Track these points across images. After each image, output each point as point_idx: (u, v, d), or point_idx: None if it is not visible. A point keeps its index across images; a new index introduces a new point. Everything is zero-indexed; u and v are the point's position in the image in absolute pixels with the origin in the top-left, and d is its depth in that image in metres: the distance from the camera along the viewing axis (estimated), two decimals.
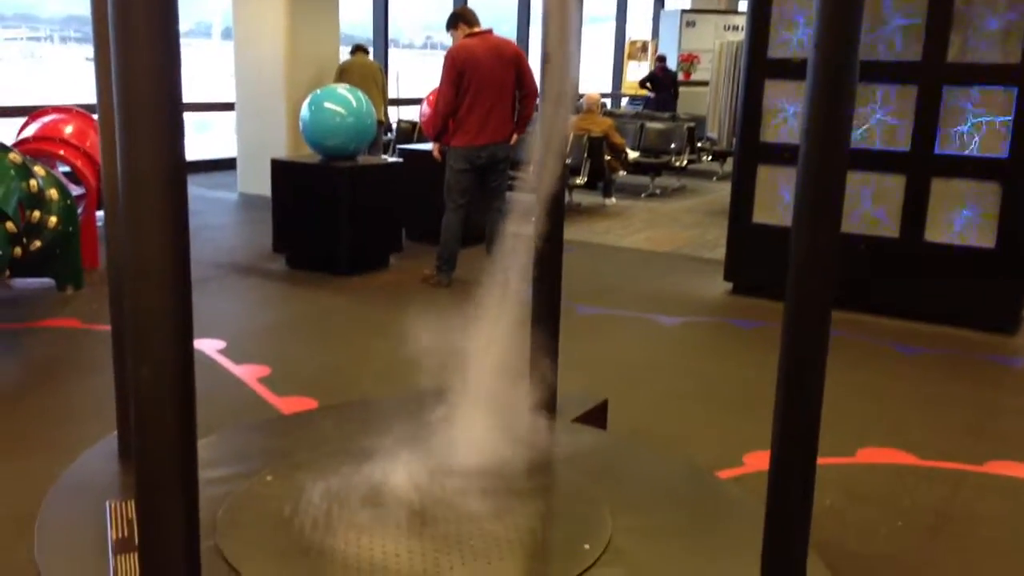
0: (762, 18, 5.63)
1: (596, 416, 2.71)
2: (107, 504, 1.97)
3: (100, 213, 6.57)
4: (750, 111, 5.75)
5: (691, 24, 16.42)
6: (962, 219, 5.27)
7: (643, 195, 10.42)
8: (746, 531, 1.80)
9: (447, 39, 6.02)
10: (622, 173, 9.85)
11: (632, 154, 10.12)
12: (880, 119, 5.38)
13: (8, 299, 5.33)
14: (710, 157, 11.80)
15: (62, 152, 6.18)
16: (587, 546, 1.83)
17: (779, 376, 1.61)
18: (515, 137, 5.89)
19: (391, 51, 12.48)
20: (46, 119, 6.55)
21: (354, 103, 6.17)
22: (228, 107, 9.60)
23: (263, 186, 8.20)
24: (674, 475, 2.31)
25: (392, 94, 10.33)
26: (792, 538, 1.66)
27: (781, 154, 5.61)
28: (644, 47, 18.00)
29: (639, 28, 20.01)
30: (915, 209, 5.38)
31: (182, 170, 1.14)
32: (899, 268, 5.47)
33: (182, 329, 1.17)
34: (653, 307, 5.68)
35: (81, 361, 4.43)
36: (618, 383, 3.40)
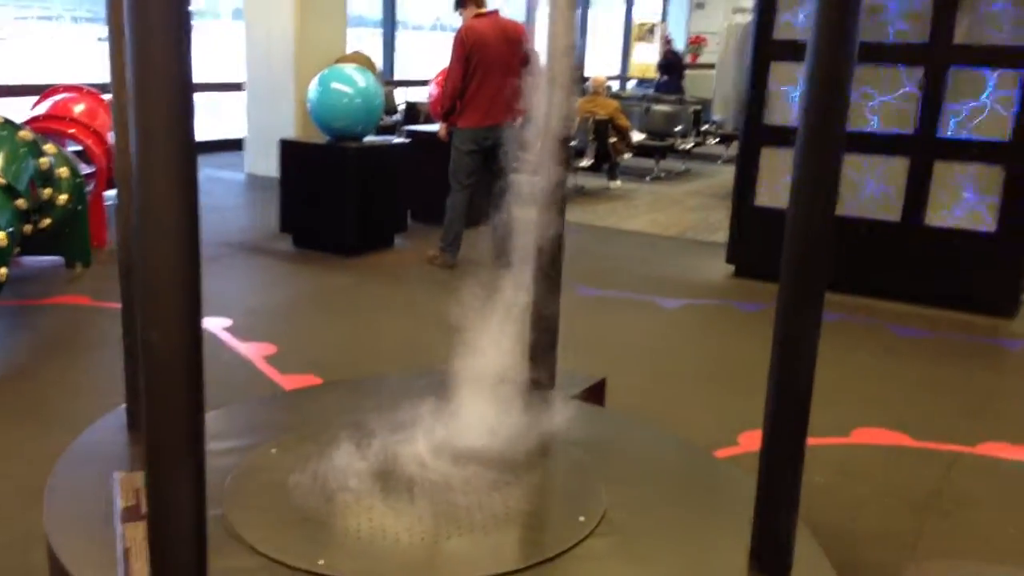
0: (769, 0, 5.65)
1: (594, 394, 2.76)
2: (115, 474, 2.03)
3: (109, 192, 6.63)
4: (755, 93, 5.77)
5: (700, 6, 16.38)
6: (964, 202, 5.30)
7: (648, 178, 10.44)
8: (738, 507, 1.84)
9: (455, 20, 6.05)
10: (627, 156, 9.87)
11: (637, 136, 10.13)
12: (882, 101, 5.40)
13: (17, 276, 5.39)
14: (716, 140, 11.81)
15: (72, 131, 6.23)
16: (582, 518, 1.88)
17: (773, 351, 1.66)
18: (520, 119, 5.92)
19: (399, 32, 12.47)
20: (57, 98, 6.60)
21: (362, 83, 6.21)
22: (237, 88, 9.63)
23: (270, 167, 8.25)
24: (669, 452, 2.36)
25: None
26: (781, 514, 1.71)
27: (785, 136, 5.63)
28: (652, 29, 17.95)
29: (648, 10, 19.95)
30: (917, 192, 5.40)
31: (192, 141, 1.19)
32: (900, 251, 5.51)
33: (191, 294, 1.22)
34: (655, 289, 5.73)
35: (91, 337, 4.50)
36: (617, 363, 3.45)
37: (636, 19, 18.89)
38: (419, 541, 1.77)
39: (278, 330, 4.64)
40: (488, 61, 5.60)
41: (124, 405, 2.31)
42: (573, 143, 8.56)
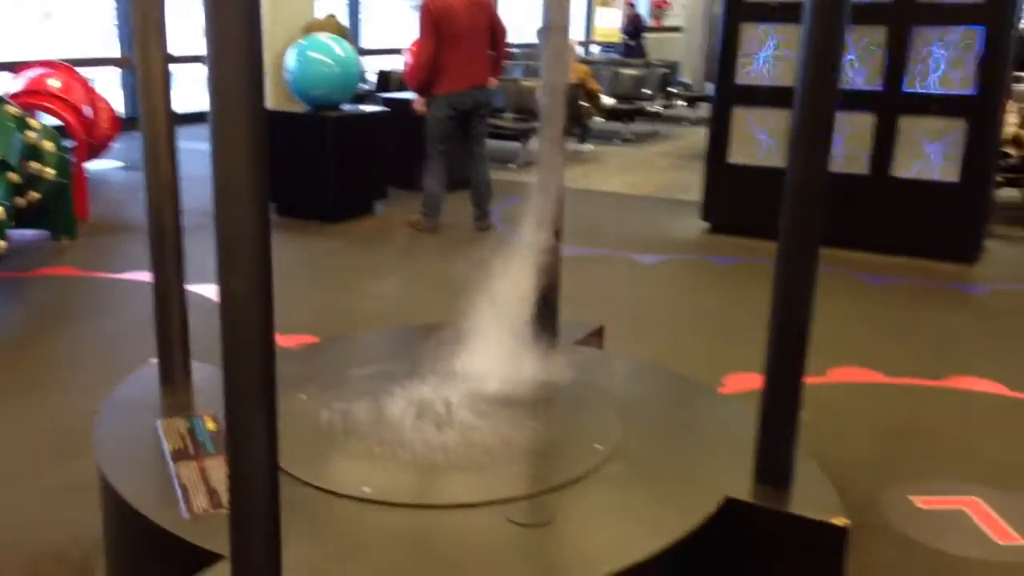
0: None
1: (594, 340, 2.93)
2: (157, 422, 2.17)
3: (89, 165, 6.66)
4: (726, 54, 5.93)
5: None
6: (928, 155, 5.51)
7: (618, 141, 10.59)
8: (740, 434, 2.01)
9: None
10: (598, 119, 10.00)
11: (607, 101, 10.26)
12: (849, 59, 5.58)
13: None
14: (683, 103, 11.96)
15: (50, 105, 6.24)
16: (599, 446, 2.05)
17: (774, 285, 1.82)
18: (492, 81, 6.04)
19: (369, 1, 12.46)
20: (31, 73, 6.60)
21: (340, 52, 6.27)
22: (200, 60, 9.58)
23: None
24: (674, 387, 2.54)
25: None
26: (782, 432, 1.89)
27: (755, 96, 5.80)
28: None
29: None
30: (884, 146, 5.61)
31: (262, 106, 1.32)
32: (868, 203, 5.72)
33: (263, 244, 1.36)
34: (632, 247, 5.90)
35: (83, 306, 4.58)
36: (600, 316, 3.61)
37: None
38: (452, 468, 1.93)
39: None
40: (456, 28, 5.71)
41: (154, 359, 2.43)
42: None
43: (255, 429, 1.41)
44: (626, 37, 15.10)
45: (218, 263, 1.36)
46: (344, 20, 11.81)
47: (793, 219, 1.76)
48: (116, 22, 9.84)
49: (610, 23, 16.49)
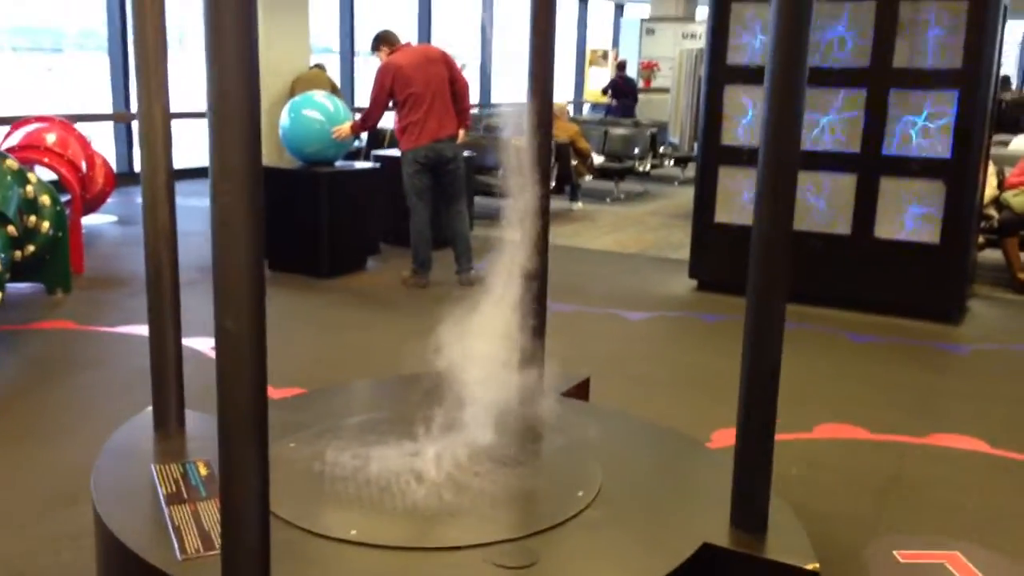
0: (721, 26, 5.97)
1: (580, 391, 2.99)
2: (151, 466, 2.21)
3: (84, 219, 6.75)
4: (711, 115, 6.08)
5: (650, 32, 16.81)
6: (909, 216, 5.64)
7: (608, 199, 10.74)
8: (720, 484, 2.06)
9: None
10: (588, 178, 10.16)
11: (597, 159, 10.44)
12: (829, 121, 5.74)
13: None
14: (672, 162, 12.17)
15: (47, 160, 6.35)
16: (581, 493, 2.09)
17: (744, 338, 1.90)
18: (461, 133, 6.20)
19: (357, 59, 12.72)
20: (28, 128, 6.72)
21: (332, 110, 6.42)
22: (199, 116, 9.75)
23: None
24: (656, 438, 2.59)
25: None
26: (756, 479, 1.94)
27: (740, 156, 5.94)
28: (605, 55, 18.40)
29: (600, 36, 20.44)
30: (866, 206, 5.73)
31: (258, 157, 1.40)
32: (852, 263, 5.82)
33: (258, 288, 1.43)
34: (621, 303, 5.98)
35: (79, 359, 4.63)
36: (588, 371, 3.67)
37: (589, 45, 19.36)
38: (438, 513, 1.97)
39: None
40: (413, 87, 5.93)
41: (149, 408, 2.48)
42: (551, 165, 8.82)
43: (248, 460, 1.46)
44: (611, 98, 15.41)
45: (215, 305, 1.43)
46: (337, 79, 12.07)
47: (760, 274, 1.84)
48: (112, 78, 10.01)
49: (600, 83, 16.82)
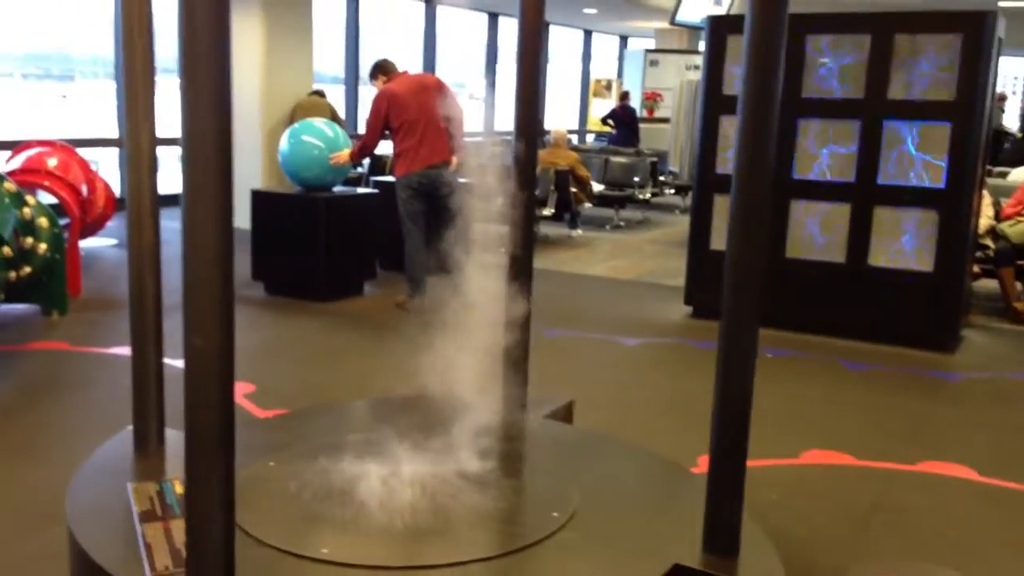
0: (717, 58, 6.03)
1: (563, 414, 3.00)
2: (128, 485, 2.22)
3: (84, 242, 6.80)
4: (707, 144, 6.13)
5: (654, 63, 16.94)
6: (903, 245, 5.65)
7: (608, 227, 10.78)
8: (696, 507, 2.07)
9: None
10: (588, 205, 10.21)
11: (597, 187, 10.49)
12: (826, 152, 5.77)
13: None
14: (672, 191, 12.22)
15: (47, 183, 6.41)
16: (556, 514, 2.10)
17: (718, 359, 1.91)
18: (455, 160, 6.24)
19: (362, 88, 12.85)
20: (30, 152, 6.78)
21: (331, 136, 6.47)
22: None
23: (236, 218, 8.45)
24: (637, 461, 2.60)
25: None
26: (728, 503, 1.95)
27: None
28: (609, 85, 18.53)
29: (604, 67, 20.60)
30: (860, 235, 5.75)
31: (229, 178, 1.43)
32: (846, 291, 5.84)
33: (226, 307, 1.45)
34: (616, 329, 5.99)
35: (72, 380, 4.65)
36: (581, 396, 3.67)
37: (593, 75, 19.51)
38: (409, 533, 1.98)
39: (255, 370, 4.82)
40: (407, 114, 6.00)
41: (129, 427, 2.49)
42: (536, 192, 8.87)
43: (214, 476, 1.47)
44: (611, 127, 15.52)
45: (184, 322, 1.45)
46: (342, 105, 12.19)
47: (733, 299, 1.86)
48: (117, 105, 10.12)
49: (603, 113, 16.94)
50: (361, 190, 7.42)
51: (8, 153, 7.04)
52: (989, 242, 6.80)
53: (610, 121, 15.63)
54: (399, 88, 6.06)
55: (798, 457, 3.89)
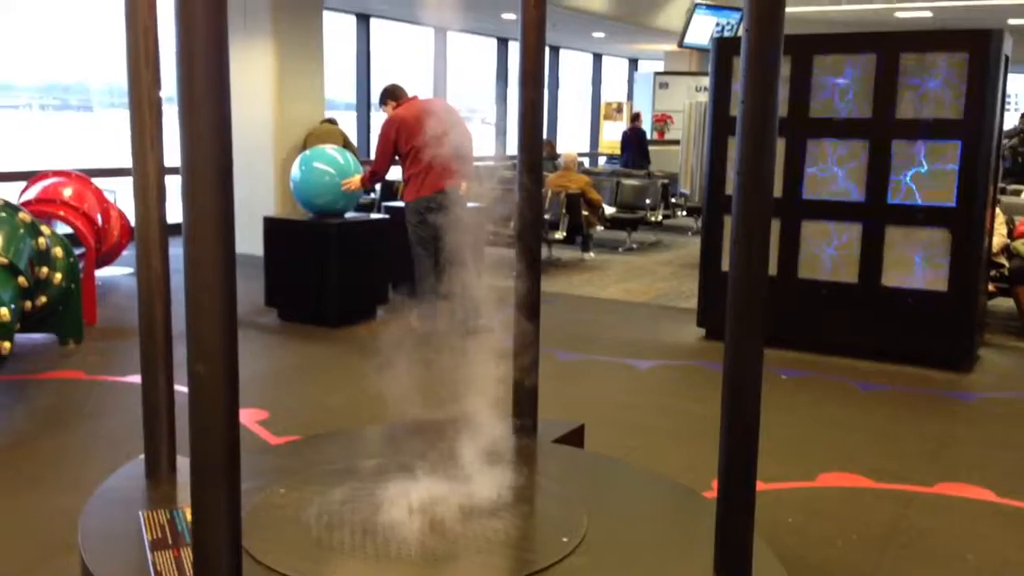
0: (724, 79, 6.04)
1: (574, 438, 2.99)
2: (140, 512, 2.23)
3: (100, 271, 6.85)
4: (715, 166, 6.13)
5: (664, 86, 17.00)
6: (915, 264, 5.63)
7: (620, 249, 10.78)
8: (707, 531, 2.05)
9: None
10: (599, 228, 10.22)
11: (609, 210, 10.50)
12: (836, 172, 5.77)
13: (12, 353, 5.55)
14: (684, 212, 12.22)
15: (62, 213, 6.47)
16: (565, 539, 2.09)
17: (724, 383, 1.90)
18: (464, 185, 6.26)
19: (374, 113, 12.94)
20: (46, 182, 6.85)
21: (342, 162, 6.52)
22: None
23: (250, 245, 8.49)
24: (649, 485, 2.58)
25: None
26: (739, 527, 1.93)
27: None
28: (619, 108, 18.59)
29: (615, 90, 20.68)
30: (872, 255, 5.73)
31: (230, 207, 1.44)
32: (860, 311, 5.81)
33: (230, 334, 1.46)
34: (629, 352, 5.98)
35: (88, 408, 4.67)
36: (594, 420, 3.66)
37: (604, 98, 19.59)
38: (420, 559, 1.98)
39: (268, 397, 4.83)
40: (416, 140, 6.05)
41: (141, 456, 2.51)
42: (547, 216, 8.90)
43: (220, 501, 1.48)
44: (623, 149, 15.56)
45: (187, 349, 1.46)
46: (354, 132, 12.27)
47: (736, 321, 1.86)
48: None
49: (614, 136, 16.99)
50: (373, 216, 7.45)
51: (24, 183, 7.11)
52: (1003, 260, 6.76)
53: (624, 146, 15.65)
54: (408, 114, 6.10)
55: (814, 480, 3.86)
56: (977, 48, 5.37)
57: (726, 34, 13.20)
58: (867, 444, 4.37)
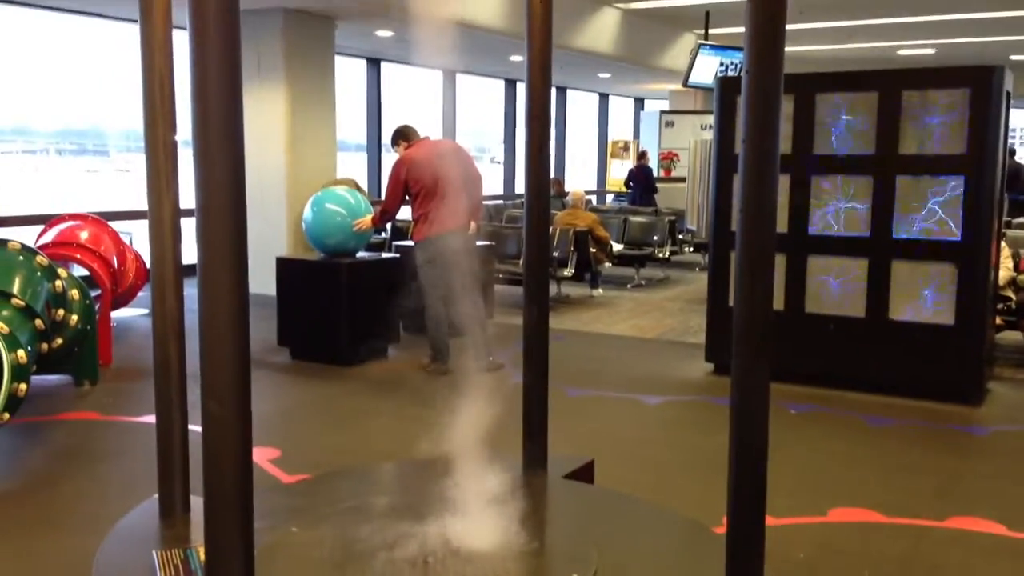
0: (728, 118, 6.12)
1: (583, 474, 3.01)
2: (153, 552, 2.27)
3: (116, 313, 6.92)
4: (721, 202, 6.19)
5: (670, 124, 17.13)
6: (922, 298, 5.65)
7: (629, 286, 10.82)
8: (715, 565, 2.08)
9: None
10: (608, 265, 10.27)
11: (616, 246, 10.56)
12: (841, 208, 5.82)
13: (28, 394, 5.61)
14: (691, 248, 12.27)
15: (79, 256, 6.56)
16: (575, 575, 2.12)
17: (731, 418, 1.94)
18: (473, 225, 6.32)
19: (384, 154, 13.10)
20: (63, 225, 6.95)
21: (352, 203, 6.60)
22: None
23: (262, 285, 8.57)
24: (658, 521, 2.60)
25: None
26: (748, 563, 1.96)
27: None
28: (626, 146, 18.73)
29: (621, 128, 20.84)
30: (879, 290, 5.76)
31: (244, 247, 1.50)
32: (869, 345, 5.82)
33: (242, 373, 1.51)
34: (638, 388, 6.00)
35: (103, 449, 4.72)
36: (604, 455, 3.68)
37: (611, 137, 19.74)
38: None
39: (281, 435, 4.86)
40: (425, 180, 6.10)
41: (155, 495, 2.54)
42: (555, 254, 8.96)
43: (233, 540, 1.51)
44: (629, 187, 15.63)
45: (201, 388, 1.51)
46: (364, 173, 12.41)
47: (742, 355, 1.89)
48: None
49: (621, 174, 17.10)
50: (384, 255, 7.53)
51: (42, 227, 7.22)
52: (1010, 293, 6.77)
53: (631, 183, 15.75)
54: (418, 154, 6.18)
55: (825, 515, 3.87)
56: (979, 84, 5.43)
57: (730, 73, 13.37)
58: (878, 478, 4.37)
